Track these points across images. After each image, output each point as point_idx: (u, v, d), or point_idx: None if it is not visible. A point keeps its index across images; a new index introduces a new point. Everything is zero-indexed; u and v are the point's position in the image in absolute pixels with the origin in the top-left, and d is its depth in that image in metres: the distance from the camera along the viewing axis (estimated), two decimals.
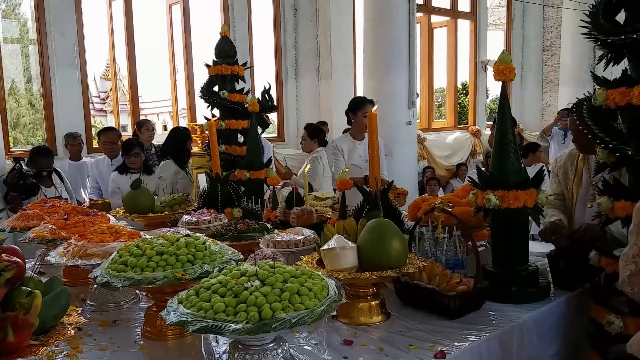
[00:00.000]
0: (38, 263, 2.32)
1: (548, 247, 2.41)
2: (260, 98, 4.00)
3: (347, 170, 2.67)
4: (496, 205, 1.95)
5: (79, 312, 1.30)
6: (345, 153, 3.91)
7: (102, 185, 4.67)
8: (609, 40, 1.78)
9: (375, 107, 2.34)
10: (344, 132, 4.32)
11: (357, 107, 3.88)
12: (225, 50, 4.08)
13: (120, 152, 4.48)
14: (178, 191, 4.03)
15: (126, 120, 11.01)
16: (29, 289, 1.11)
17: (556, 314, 2.01)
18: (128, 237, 2.02)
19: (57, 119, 6.16)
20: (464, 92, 12.93)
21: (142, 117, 7.49)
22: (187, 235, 1.81)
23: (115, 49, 7.30)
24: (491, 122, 10.22)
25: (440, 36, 10.13)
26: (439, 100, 13.99)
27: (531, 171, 2.03)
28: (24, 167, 4.27)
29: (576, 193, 2.56)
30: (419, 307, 1.90)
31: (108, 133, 4.91)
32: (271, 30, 8.18)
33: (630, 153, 1.72)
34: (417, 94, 6.68)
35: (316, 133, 5.05)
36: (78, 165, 5.29)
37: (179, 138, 4.36)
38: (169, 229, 2.50)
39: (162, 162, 4.30)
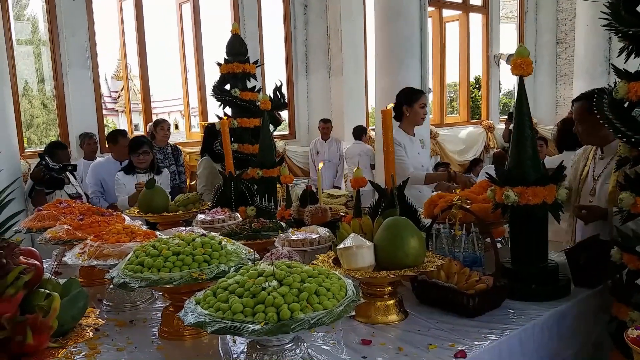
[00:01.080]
0: (55, 264, 2.33)
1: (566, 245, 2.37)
2: (271, 96, 3.98)
3: (358, 168, 2.63)
4: (515, 202, 1.92)
5: (97, 313, 1.30)
6: (406, 149, 3.55)
7: (108, 189, 4.41)
8: (631, 32, 1.74)
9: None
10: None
11: (414, 98, 3.58)
12: (237, 48, 4.07)
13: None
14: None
15: (138, 119, 11.08)
16: (47, 292, 1.11)
17: (576, 312, 1.97)
18: (144, 237, 2.02)
19: (70, 119, 6.23)
20: (477, 86, 12.82)
21: (154, 116, 7.52)
22: (203, 234, 1.80)
23: (127, 48, 7.34)
24: (505, 117, 10.12)
25: (452, 30, 10.05)
26: (452, 95, 13.88)
27: None
28: (50, 162, 4.31)
29: (581, 187, 2.52)
30: (437, 306, 1.88)
31: (126, 136, 4.66)
32: (281, 28, 8.17)
33: None
34: (430, 89, 6.62)
35: None
36: None
37: (207, 136, 4.45)
38: (183, 228, 2.50)
39: (199, 160, 4.41)
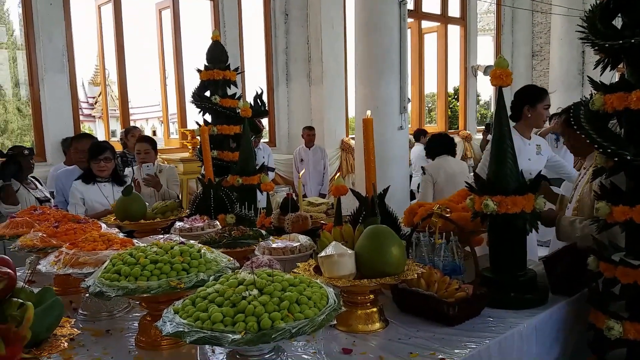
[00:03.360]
0: (29, 272, 2.27)
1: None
2: (252, 103, 3.96)
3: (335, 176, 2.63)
4: (494, 211, 1.93)
5: (72, 323, 1.26)
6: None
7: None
8: (607, 45, 1.77)
9: None
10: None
11: (538, 98, 3.29)
12: (217, 55, 4.05)
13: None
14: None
15: (115, 125, 10.93)
16: (21, 301, 1.07)
17: (555, 320, 2.00)
18: (120, 245, 1.97)
19: (46, 125, 6.10)
20: (455, 97, 13.01)
21: (131, 122, 7.43)
22: (182, 243, 1.77)
23: (105, 53, 7.25)
24: (482, 127, 10.28)
25: (431, 41, 10.22)
26: (430, 105, 14.07)
27: None
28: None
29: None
30: (417, 314, 1.88)
31: (82, 140, 4.21)
32: (262, 36, 8.17)
33: (629, 157, 1.72)
34: (409, 99, 6.70)
35: (156, 145, 4.56)
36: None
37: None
38: (161, 236, 2.46)
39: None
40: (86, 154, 3.91)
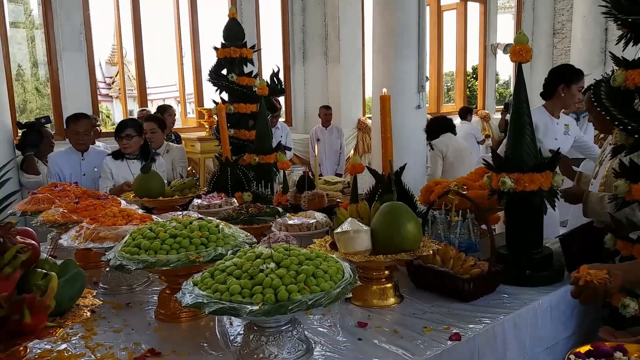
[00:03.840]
0: (51, 246, 2.33)
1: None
2: (268, 81, 3.95)
3: (350, 155, 2.63)
4: (511, 188, 1.92)
5: (94, 294, 1.30)
6: (539, 130, 3.21)
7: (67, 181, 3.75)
8: (630, 20, 1.73)
9: None
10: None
11: (574, 79, 3.25)
12: (234, 32, 4.04)
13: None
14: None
15: (133, 105, 11.01)
16: (45, 271, 1.11)
17: (570, 297, 1.99)
18: (140, 220, 2.01)
19: (65, 104, 6.17)
20: (474, 76, 12.80)
21: (149, 102, 7.48)
22: (200, 218, 1.80)
23: (122, 33, 7.26)
24: (501, 107, 10.12)
25: (450, 19, 10.02)
26: (448, 84, 13.87)
27: None
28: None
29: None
30: (432, 290, 1.89)
31: (79, 122, 3.86)
32: (278, 13, 8.10)
33: None
34: (427, 77, 6.61)
35: (165, 124, 4.45)
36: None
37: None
38: (179, 212, 2.49)
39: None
40: (83, 135, 3.86)
